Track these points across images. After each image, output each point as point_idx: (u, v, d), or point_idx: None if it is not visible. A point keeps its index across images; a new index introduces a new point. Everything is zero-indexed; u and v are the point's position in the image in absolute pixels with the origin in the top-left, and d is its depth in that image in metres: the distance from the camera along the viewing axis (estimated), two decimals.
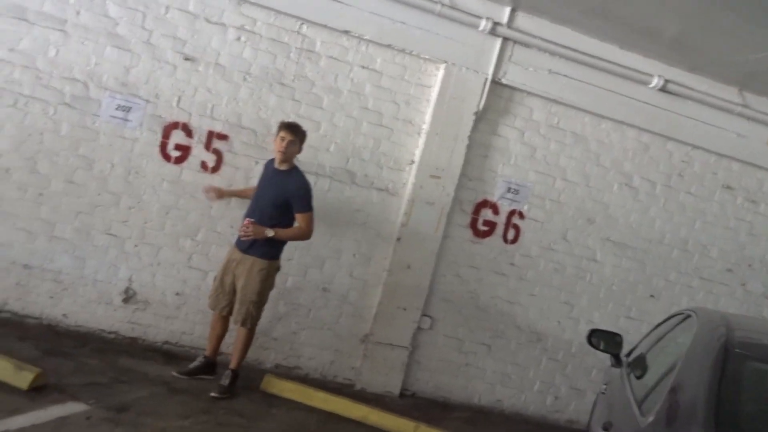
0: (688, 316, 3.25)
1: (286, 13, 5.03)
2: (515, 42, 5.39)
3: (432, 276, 5.47)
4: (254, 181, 5.03)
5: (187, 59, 4.96)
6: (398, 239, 5.35)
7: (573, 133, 5.69)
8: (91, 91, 4.85)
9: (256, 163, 5.07)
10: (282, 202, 4.47)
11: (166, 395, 4.31)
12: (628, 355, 3.97)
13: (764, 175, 6.04)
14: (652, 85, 5.60)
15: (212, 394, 4.45)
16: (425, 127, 5.35)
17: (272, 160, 4.65)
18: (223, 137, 5.06)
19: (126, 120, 4.91)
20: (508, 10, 5.29)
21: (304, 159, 4.94)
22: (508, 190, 5.62)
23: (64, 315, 4.96)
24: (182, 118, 4.99)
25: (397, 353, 5.44)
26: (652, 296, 5.97)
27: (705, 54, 5.21)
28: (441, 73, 5.32)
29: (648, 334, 4.21)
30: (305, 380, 5.18)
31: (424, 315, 5.52)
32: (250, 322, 4.56)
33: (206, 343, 4.79)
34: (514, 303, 5.73)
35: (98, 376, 4.31)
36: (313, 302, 5.34)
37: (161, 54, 4.92)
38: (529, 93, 5.53)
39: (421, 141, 5.35)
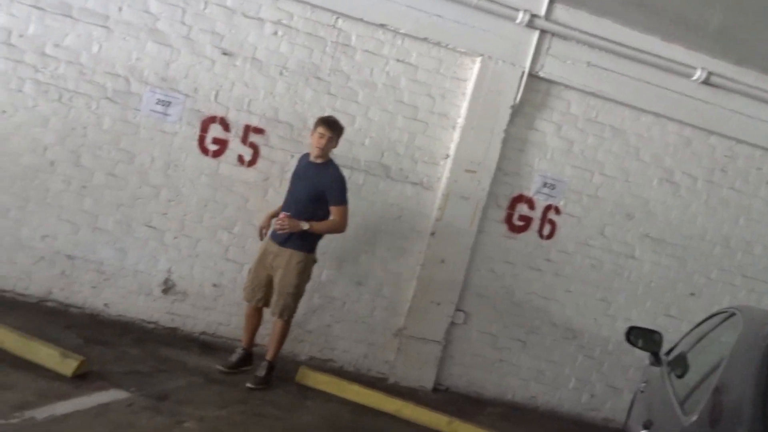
0: (733, 314, 3.17)
1: (322, 7, 5.05)
2: (553, 34, 5.31)
3: (466, 271, 5.44)
4: (290, 175, 5.08)
5: (225, 54, 5.02)
6: (432, 233, 5.33)
7: (612, 127, 5.59)
8: (132, 85, 4.95)
9: (292, 156, 5.10)
10: (317, 195, 4.50)
11: (203, 385, 4.39)
12: (668, 353, 3.89)
13: None
14: (694, 78, 5.47)
15: (248, 385, 4.52)
16: (460, 121, 5.32)
17: (307, 154, 4.67)
18: (259, 131, 5.12)
19: (166, 114, 5.00)
20: (546, 2, 5.21)
21: (338, 153, 4.95)
22: (545, 184, 5.55)
23: (106, 305, 5.09)
24: (220, 113, 5.06)
25: (430, 348, 5.44)
26: (692, 294, 5.83)
27: (750, 45, 5.07)
28: (477, 66, 5.27)
29: (689, 333, 4.12)
30: (339, 373, 5.22)
31: (457, 310, 5.50)
32: (288, 314, 4.61)
33: (242, 334, 4.85)
34: (549, 299, 5.67)
35: (139, 365, 4.42)
36: (348, 295, 5.36)
37: (200, 49, 5.00)
38: (566, 86, 5.45)
39: (456, 135, 5.32)
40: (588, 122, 5.56)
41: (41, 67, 4.84)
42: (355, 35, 5.15)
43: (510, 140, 5.40)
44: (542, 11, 5.23)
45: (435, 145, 5.35)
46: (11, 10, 4.79)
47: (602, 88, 5.45)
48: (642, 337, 3.85)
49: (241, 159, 5.11)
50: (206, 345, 5.13)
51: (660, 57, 5.41)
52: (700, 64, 5.45)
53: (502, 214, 5.52)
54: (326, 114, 4.98)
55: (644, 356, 4.16)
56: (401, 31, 5.15)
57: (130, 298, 5.11)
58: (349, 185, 4.73)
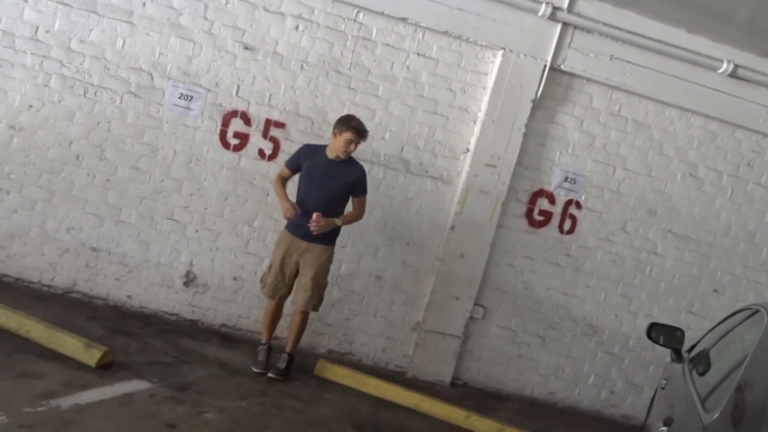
0: (757, 312, 3.12)
1: (343, 2, 5.05)
2: (575, 27, 5.25)
3: (485, 266, 5.43)
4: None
5: (246, 48, 5.05)
6: (452, 228, 5.33)
7: (635, 121, 5.52)
8: (155, 80, 5.01)
9: None
10: (348, 192, 4.59)
11: (224, 376, 4.44)
12: (690, 350, 3.85)
13: None
14: (720, 71, 5.37)
15: (269, 375, 4.56)
16: (481, 115, 5.29)
17: (317, 148, 4.61)
18: (280, 125, 5.15)
19: (188, 108, 5.05)
20: None
21: (358, 147, 4.95)
22: (566, 179, 5.50)
23: (129, 297, 5.17)
24: (241, 107, 5.10)
25: (448, 342, 5.44)
26: (715, 291, 5.75)
27: None
28: (498, 60, 5.24)
29: (711, 330, 4.06)
30: (357, 366, 5.25)
31: (476, 305, 5.48)
32: (319, 306, 4.68)
33: (263, 330, 4.82)
34: (569, 295, 5.63)
35: (161, 356, 4.48)
36: (367, 289, 5.38)
37: (222, 44, 5.03)
38: (589, 80, 5.39)
39: (477, 129, 5.30)
40: (610, 116, 5.49)
41: (67, 62, 4.92)
42: (376, 29, 5.15)
43: (531, 134, 5.36)
44: (565, 3, 5.18)
45: (455, 139, 5.33)
46: (38, 7, 4.87)
47: (625, 81, 5.38)
48: (663, 334, 3.82)
49: (261, 153, 5.15)
50: (227, 337, 5.19)
51: (685, 49, 5.33)
52: (727, 56, 5.36)
53: (522, 208, 5.49)
54: (346, 110, 5.03)
55: (665, 353, 4.13)
56: (422, 25, 5.14)
57: (152, 290, 5.19)
58: (369, 179, 4.78)
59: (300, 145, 5.05)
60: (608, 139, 5.52)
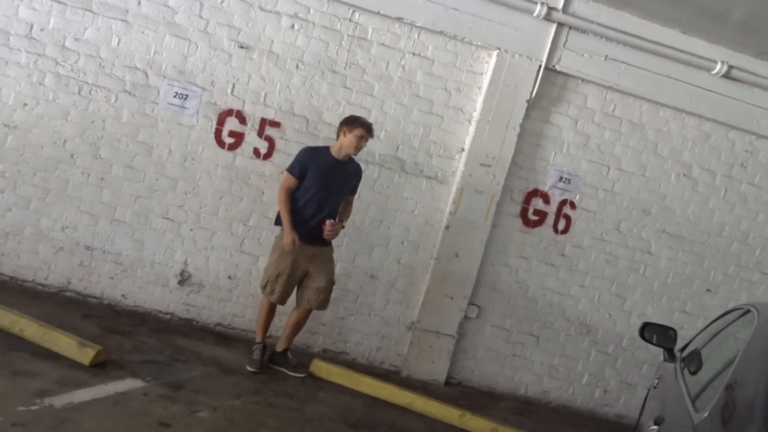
0: (748, 311, 3.13)
1: (339, 1, 5.06)
2: (570, 27, 5.27)
3: (480, 265, 5.44)
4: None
5: (241, 47, 5.05)
6: (447, 227, 5.34)
7: (629, 121, 5.54)
8: (150, 79, 5.01)
9: None
10: (350, 191, 4.72)
11: (218, 375, 4.44)
12: (682, 349, 3.87)
13: None
14: (714, 72, 5.40)
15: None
16: (476, 114, 5.30)
17: (319, 152, 4.60)
18: (275, 124, 5.15)
19: (183, 107, 5.05)
20: None
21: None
22: (560, 179, 5.52)
23: (123, 295, 5.17)
24: (236, 106, 5.10)
25: (443, 341, 5.45)
26: (709, 290, 5.78)
27: None
28: (493, 60, 5.25)
29: (704, 329, 4.09)
30: (352, 365, 5.25)
31: (471, 304, 5.50)
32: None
33: (258, 330, 4.77)
34: (563, 294, 5.65)
35: (155, 355, 4.48)
36: (362, 288, 5.39)
37: (217, 42, 5.03)
38: (583, 80, 5.41)
39: (472, 129, 5.31)
40: (605, 116, 5.51)
41: (62, 61, 4.92)
42: (372, 29, 5.15)
43: (525, 134, 5.38)
44: (560, 4, 5.20)
45: (450, 138, 5.34)
46: (33, 4, 4.86)
47: (620, 81, 5.40)
48: (657, 334, 3.84)
49: (257, 152, 5.15)
50: (221, 336, 5.19)
51: (679, 50, 5.35)
52: (721, 57, 5.39)
53: (516, 208, 5.50)
54: (342, 109, 5.08)
55: (658, 352, 4.14)
56: (417, 25, 5.14)
57: (147, 289, 5.19)
58: (364, 179, 4.83)
59: (297, 146, 5.06)
60: (603, 140, 5.54)
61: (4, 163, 4.94)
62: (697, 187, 5.68)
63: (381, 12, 5.09)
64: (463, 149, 5.35)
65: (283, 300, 4.65)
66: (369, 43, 5.17)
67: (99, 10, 4.92)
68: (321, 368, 4.95)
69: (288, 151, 5.16)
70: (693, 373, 3.09)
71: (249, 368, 4.62)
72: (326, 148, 4.64)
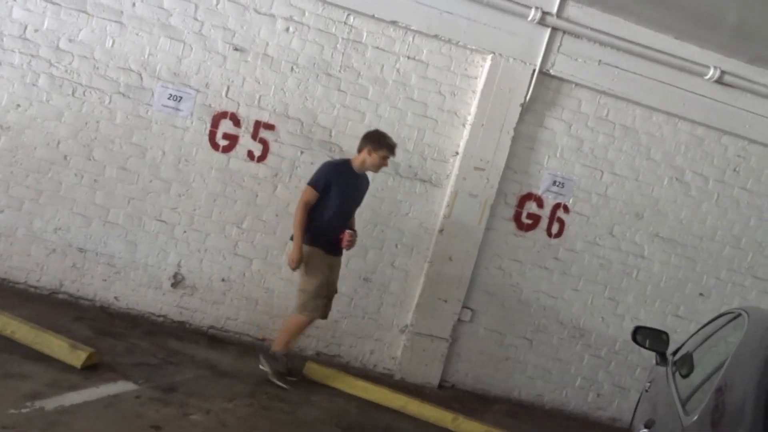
0: (739, 315, 3.15)
1: (333, 4, 5.06)
2: (564, 32, 5.29)
3: (474, 268, 5.45)
4: (300, 171, 5.13)
5: (236, 50, 5.05)
6: (441, 231, 5.34)
7: (622, 125, 5.57)
8: (144, 81, 5.00)
9: (302, 152, 5.15)
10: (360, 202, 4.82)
11: (211, 378, 4.43)
12: (675, 353, 3.88)
13: None
14: (707, 77, 5.43)
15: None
16: (470, 118, 5.32)
17: (342, 165, 4.61)
18: (269, 127, 5.15)
19: (177, 109, 5.05)
20: None
21: (349, 150, 4.99)
22: (554, 183, 5.54)
23: (116, 298, 5.15)
24: (231, 108, 5.10)
25: (437, 344, 5.45)
26: (701, 294, 5.80)
27: (766, 43, 5.00)
28: (488, 63, 5.27)
29: (695, 333, 4.10)
30: (346, 368, 5.25)
31: (465, 307, 5.50)
32: None
33: (288, 340, 4.69)
34: (557, 298, 5.66)
35: (148, 357, 4.47)
36: (355, 291, 5.39)
37: (212, 45, 5.03)
38: (577, 84, 5.43)
39: (466, 132, 5.32)
40: (599, 121, 5.54)
41: (55, 62, 4.91)
42: (366, 32, 5.16)
43: (519, 138, 5.40)
44: (554, 9, 5.22)
45: (444, 142, 5.36)
46: (27, 5, 4.86)
47: (613, 86, 5.43)
48: (649, 337, 3.84)
49: (251, 154, 5.15)
50: (214, 339, 5.18)
51: (673, 55, 5.38)
52: (713, 62, 5.42)
53: (510, 212, 5.51)
54: (336, 112, 5.10)
55: (651, 356, 4.15)
56: (412, 28, 5.16)
57: (139, 291, 5.17)
58: None
59: (291, 149, 5.11)
60: (596, 144, 5.56)
61: None
62: (690, 191, 5.71)
63: (376, 15, 5.10)
64: (457, 153, 5.36)
65: (325, 314, 4.67)
66: (364, 46, 5.17)
67: (93, 11, 4.91)
68: (314, 371, 4.95)
69: (282, 153, 5.16)
70: (684, 377, 3.10)
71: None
72: (347, 163, 4.64)
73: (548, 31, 5.25)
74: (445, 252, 5.35)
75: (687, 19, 4.96)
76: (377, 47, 5.19)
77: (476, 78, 5.32)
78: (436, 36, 5.19)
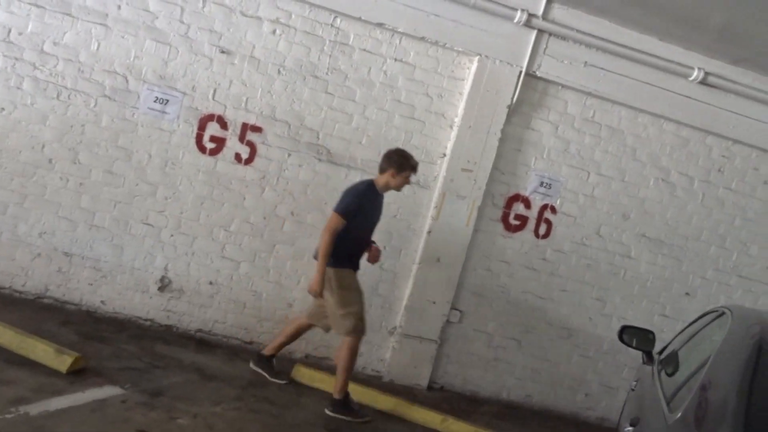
0: (722, 314, 3.18)
1: (320, 6, 5.06)
2: (550, 34, 5.32)
3: (462, 270, 5.46)
4: (287, 173, 5.15)
5: (223, 52, 5.04)
6: (429, 232, 5.35)
7: (609, 126, 5.60)
8: (130, 83, 4.97)
9: (289, 155, 5.14)
10: None
11: (199, 382, 4.41)
12: (661, 352, 3.91)
13: None
14: (692, 78, 5.48)
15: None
16: (457, 120, 5.33)
17: (368, 188, 4.54)
18: (257, 129, 5.14)
19: (163, 112, 5.02)
20: (543, 1, 5.22)
21: (335, 152, 5.00)
22: (541, 184, 5.56)
23: (102, 302, 5.11)
24: (217, 111, 5.08)
25: (425, 346, 5.45)
26: (687, 294, 5.85)
27: (751, 45, 5.05)
28: (474, 65, 5.29)
29: (681, 332, 4.13)
30: (334, 371, 5.21)
31: (453, 308, 5.51)
32: None
33: (343, 376, 4.54)
34: (545, 298, 5.68)
35: (134, 361, 4.44)
36: None
37: (198, 47, 5.02)
38: (563, 86, 5.47)
39: (453, 134, 5.34)
40: (585, 122, 5.57)
41: (40, 65, 4.87)
42: (353, 34, 5.17)
43: (507, 139, 5.42)
44: (540, 11, 5.25)
45: (432, 144, 5.37)
46: (11, 8, 4.82)
47: (599, 87, 5.46)
48: (635, 337, 3.87)
49: (238, 157, 5.13)
50: (202, 342, 5.15)
51: (657, 57, 5.43)
52: (698, 64, 5.47)
53: (498, 213, 5.53)
54: (323, 114, 5.10)
55: (639, 355, 4.17)
56: (399, 30, 5.17)
57: (126, 295, 5.14)
58: (347, 184, 4.80)
59: (278, 151, 5.09)
60: (583, 145, 5.59)
61: None
62: (676, 191, 5.75)
63: (362, 18, 5.11)
64: (444, 154, 5.37)
65: (365, 330, 4.61)
66: (351, 48, 5.18)
67: (78, 14, 4.88)
68: (303, 374, 4.93)
69: (269, 156, 5.15)
70: (670, 375, 3.12)
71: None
72: (372, 186, 4.56)
73: (534, 33, 5.28)
74: (433, 253, 5.36)
75: (671, 20, 5.01)
76: (364, 49, 5.20)
77: (463, 80, 5.34)
78: (423, 38, 5.21)
